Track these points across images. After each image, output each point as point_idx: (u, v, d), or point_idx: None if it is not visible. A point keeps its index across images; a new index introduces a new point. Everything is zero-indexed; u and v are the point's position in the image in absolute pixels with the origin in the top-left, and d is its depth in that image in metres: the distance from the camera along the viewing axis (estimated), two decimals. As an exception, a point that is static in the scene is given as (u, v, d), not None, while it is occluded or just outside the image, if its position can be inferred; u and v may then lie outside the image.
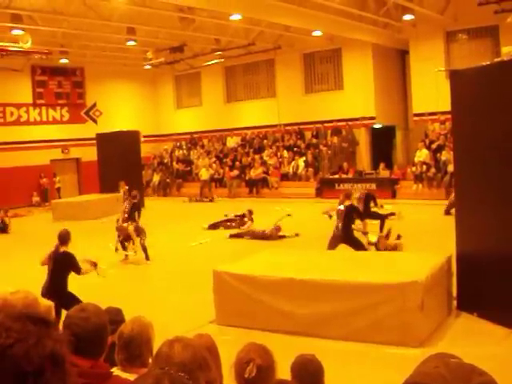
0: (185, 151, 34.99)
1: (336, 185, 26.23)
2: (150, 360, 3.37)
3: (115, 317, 4.38)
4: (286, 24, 25.23)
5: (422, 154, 25.26)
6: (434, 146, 25.45)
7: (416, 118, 27.49)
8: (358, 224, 12.94)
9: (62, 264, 9.60)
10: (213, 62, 31.30)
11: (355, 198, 15.50)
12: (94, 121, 33.70)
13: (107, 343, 3.04)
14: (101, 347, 2.97)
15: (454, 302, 9.54)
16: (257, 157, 30.55)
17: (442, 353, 1.33)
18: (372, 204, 16.78)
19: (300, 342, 7.88)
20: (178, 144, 35.86)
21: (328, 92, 30.34)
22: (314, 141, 30.01)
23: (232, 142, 33.51)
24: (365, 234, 13.33)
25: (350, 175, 26.83)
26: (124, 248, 15.61)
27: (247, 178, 29.57)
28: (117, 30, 25.00)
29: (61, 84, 32.44)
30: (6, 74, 28.62)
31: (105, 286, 12.40)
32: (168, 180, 32.58)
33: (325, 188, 26.62)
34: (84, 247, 17.24)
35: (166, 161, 34.65)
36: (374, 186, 23.88)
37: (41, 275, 11.86)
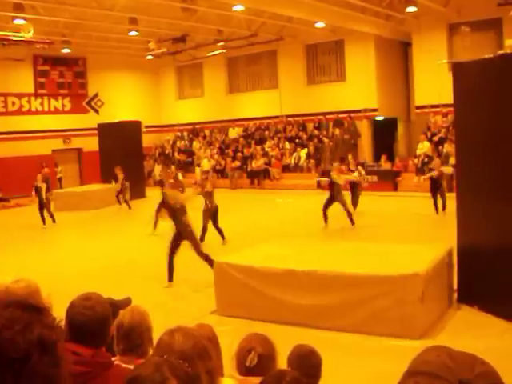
0: (186, 142, 34.97)
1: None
2: (151, 350, 3.39)
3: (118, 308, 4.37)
4: (289, 15, 25.17)
5: (424, 147, 25.23)
6: (435, 138, 25.43)
7: (418, 111, 27.44)
8: None
9: None
10: (215, 52, 31.24)
11: None
12: (96, 111, 33.66)
13: (109, 333, 3.05)
14: (104, 336, 2.99)
15: (455, 295, 9.56)
16: (258, 148, 30.51)
17: (438, 345, 1.33)
18: None
19: (300, 332, 7.89)
20: (180, 135, 35.84)
21: (330, 84, 30.29)
22: (316, 132, 29.99)
23: (234, 132, 33.47)
24: None
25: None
26: None
27: (249, 169, 29.56)
28: (119, 20, 24.96)
29: (63, 74, 32.37)
30: (8, 64, 28.57)
31: (104, 274, 12.43)
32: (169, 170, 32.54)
33: (326, 180, 26.59)
34: (86, 237, 17.33)
35: (167, 151, 34.64)
36: (375, 178, 23.84)
37: (40, 265, 11.94)
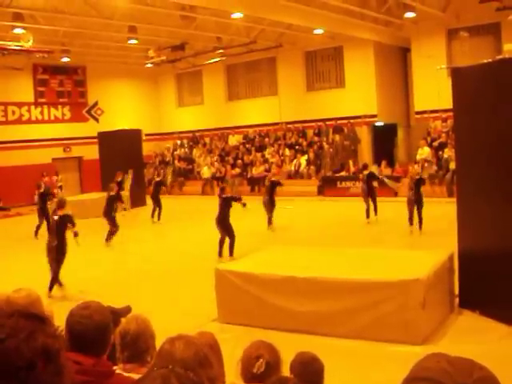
0: (186, 149, 35.00)
1: (338, 183, 26.26)
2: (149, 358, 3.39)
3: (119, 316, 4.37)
4: (288, 22, 25.22)
5: (424, 152, 25.25)
6: (435, 143, 25.45)
7: (418, 116, 27.47)
8: None
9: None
10: (214, 60, 31.29)
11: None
12: (96, 119, 33.71)
13: (110, 341, 3.04)
14: (103, 345, 2.97)
15: (456, 300, 9.55)
16: (258, 155, 30.55)
17: (438, 352, 1.33)
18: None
19: (302, 339, 7.89)
20: (180, 142, 35.87)
21: (330, 90, 30.32)
22: (316, 139, 30.00)
23: (234, 140, 33.50)
24: None
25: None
26: None
27: (249, 176, 29.58)
28: (118, 28, 25.03)
29: (62, 83, 32.44)
30: (8, 73, 28.63)
31: (106, 282, 12.43)
32: (170, 178, 32.55)
33: (326, 186, 26.62)
34: (85, 245, 17.31)
35: (167, 159, 34.65)
36: (375, 184, 23.81)
37: (41, 274, 11.95)
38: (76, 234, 11.90)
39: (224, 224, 14.48)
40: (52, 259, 11.71)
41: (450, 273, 9.45)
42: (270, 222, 18.30)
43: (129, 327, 3.49)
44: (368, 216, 18.31)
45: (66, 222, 11.78)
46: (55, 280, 11.75)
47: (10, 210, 26.86)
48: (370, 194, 18.47)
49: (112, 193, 17.71)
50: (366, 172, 18.97)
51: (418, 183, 16.53)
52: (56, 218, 11.81)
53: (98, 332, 2.90)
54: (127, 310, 4.69)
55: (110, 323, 3.04)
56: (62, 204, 12.08)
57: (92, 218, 21.47)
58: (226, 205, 14.56)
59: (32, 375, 1.29)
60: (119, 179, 22.71)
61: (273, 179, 19.12)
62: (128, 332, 3.44)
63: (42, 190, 19.68)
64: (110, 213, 17.56)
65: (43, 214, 19.11)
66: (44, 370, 1.31)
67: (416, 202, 16.38)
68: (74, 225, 11.94)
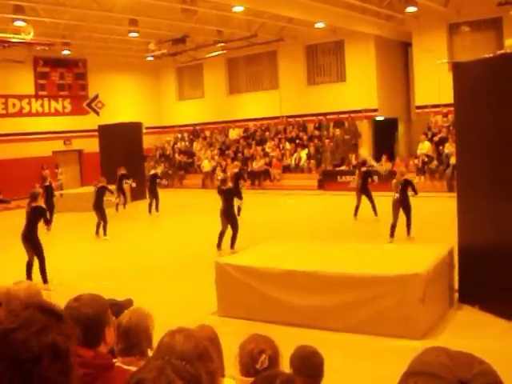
0: (187, 143, 34.98)
1: (338, 177, 26.26)
2: (149, 351, 3.40)
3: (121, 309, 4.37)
4: (289, 16, 25.16)
5: (425, 147, 25.24)
6: (436, 138, 25.42)
7: (418, 111, 27.44)
8: None
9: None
10: (215, 53, 31.24)
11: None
12: (96, 112, 33.65)
13: (102, 333, 3.04)
14: (94, 337, 2.97)
15: (456, 295, 9.55)
16: (259, 149, 30.53)
17: (437, 346, 1.33)
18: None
19: (301, 333, 7.89)
20: (180, 136, 35.84)
21: (330, 84, 30.30)
22: (317, 133, 29.98)
23: (234, 133, 33.48)
24: None
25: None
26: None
27: (249, 170, 29.56)
28: (119, 21, 24.99)
29: (63, 75, 32.40)
30: (9, 66, 28.60)
31: (106, 275, 12.45)
32: (170, 172, 32.55)
33: (327, 180, 26.62)
34: (86, 238, 17.34)
35: (168, 152, 34.63)
36: (376, 178, 23.81)
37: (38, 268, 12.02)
38: (48, 224, 12.66)
39: (229, 215, 14.50)
40: (27, 249, 12.17)
41: (449, 268, 9.45)
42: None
43: (121, 320, 3.52)
44: (356, 214, 17.84)
45: (37, 213, 12.03)
46: (44, 270, 12.00)
47: (10, 202, 26.80)
48: (364, 191, 17.81)
49: (100, 184, 17.77)
50: (363, 169, 18.31)
51: (405, 185, 14.53)
52: (29, 209, 12.09)
53: (85, 323, 2.90)
54: (129, 302, 4.69)
55: (100, 316, 3.04)
56: (34, 196, 12.24)
57: (92, 211, 21.53)
58: (228, 196, 14.56)
59: (37, 370, 1.29)
60: (122, 172, 22.72)
61: (235, 171, 19.23)
62: (120, 325, 3.47)
63: (47, 183, 19.68)
64: (100, 205, 17.62)
65: (49, 207, 19.09)
66: (49, 367, 1.31)
67: (402, 205, 14.48)
68: (45, 217, 12.31)
